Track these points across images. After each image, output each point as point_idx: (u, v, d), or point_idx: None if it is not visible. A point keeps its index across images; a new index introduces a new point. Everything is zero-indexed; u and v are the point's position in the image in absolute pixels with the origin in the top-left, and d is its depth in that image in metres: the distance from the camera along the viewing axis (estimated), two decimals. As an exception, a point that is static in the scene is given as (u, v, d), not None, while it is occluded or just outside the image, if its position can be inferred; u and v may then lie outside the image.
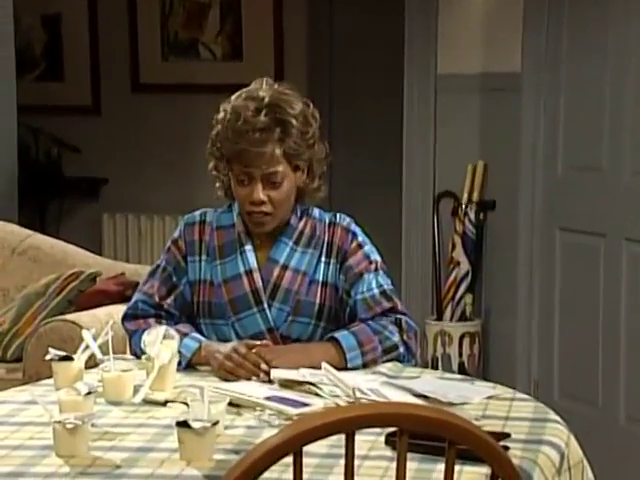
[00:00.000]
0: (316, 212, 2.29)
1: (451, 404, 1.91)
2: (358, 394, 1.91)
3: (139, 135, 5.35)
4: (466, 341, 4.05)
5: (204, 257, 2.26)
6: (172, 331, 2.08)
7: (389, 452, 1.68)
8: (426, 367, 3.72)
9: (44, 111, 5.30)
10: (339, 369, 2.04)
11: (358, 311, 2.23)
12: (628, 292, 3.51)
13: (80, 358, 2.06)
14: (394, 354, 2.19)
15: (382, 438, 1.72)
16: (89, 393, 1.82)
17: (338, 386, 1.96)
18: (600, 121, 3.57)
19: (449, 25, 4.14)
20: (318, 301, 2.24)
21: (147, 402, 1.94)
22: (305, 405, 1.89)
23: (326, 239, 2.26)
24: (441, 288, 4.15)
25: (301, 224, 2.26)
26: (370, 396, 1.91)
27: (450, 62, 4.15)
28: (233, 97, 2.21)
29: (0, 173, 4.30)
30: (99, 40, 5.42)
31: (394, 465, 1.38)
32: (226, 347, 2.11)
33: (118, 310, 3.04)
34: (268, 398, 1.92)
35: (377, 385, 1.99)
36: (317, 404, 1.90)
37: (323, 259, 2.26)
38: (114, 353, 2.01)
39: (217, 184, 2.27)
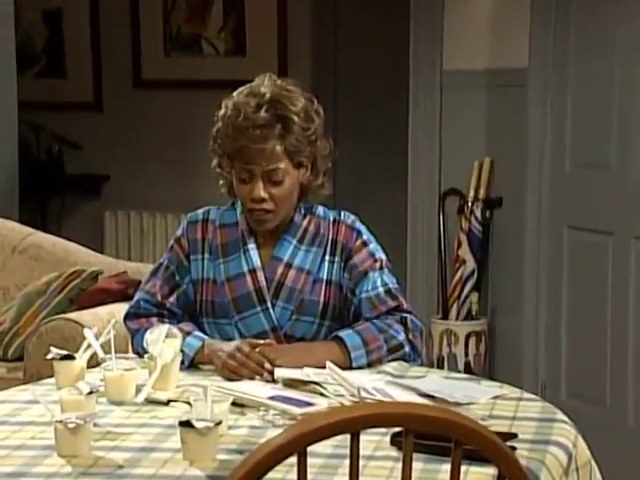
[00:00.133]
0: (320, 210, 2.29)
1: (457, 404, 1.91)
2: (363, 394, 1.91)
3: (141, 132, 5.36)
4: (472, 340, 4.05)
5: (207, 255, 2.26)
6: (175, 330, 2.09)
7: (394, 452, 1.68)
8: (432, 367, 3.71)
9: (45, 107, 5.30)
10: (344, 368, 2.04)
11: (363, 310, 2.23)
12: (636, 291, 3.50)
13: (82, 357, 2.06)
14: (399, 353, 2.19)
15: (387, 438, 1.72)
16: (91, 392, 1.82)
17: (343, 386, 1.96)
18: (608, 118, 3.57)
19: (455, 20, 4.14)
20: (322, 300, 2.24)
21: (150, 402, 1.95)
22: (309, 405, 1.89)
23: (330, 237, 2.26)
24: (447, 287, 4.15)
25: (305, 222, 2.26)
26: (375, 396, 1.91)
27: (456, 58, 4.14)
28: (235, 93, 2.21)
29: (1, 170, 4.30)
30: (101, 35, 5.42)
31: (399, 465, 1.38)
32: (229, 346, 2.11)
33: (120, 309, 3.04)
34: (272, 398, 1.92)
35: (382, 385, 1.99)
36: (321, 404, 1.90)
37: (327, 257, 2.26)
38: (116, 352, 2.01)
39: (221, 181, 2.28)
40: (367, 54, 5.23)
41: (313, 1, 5.24)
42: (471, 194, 4.11)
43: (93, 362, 2.11)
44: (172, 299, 2.26)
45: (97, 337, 2.07)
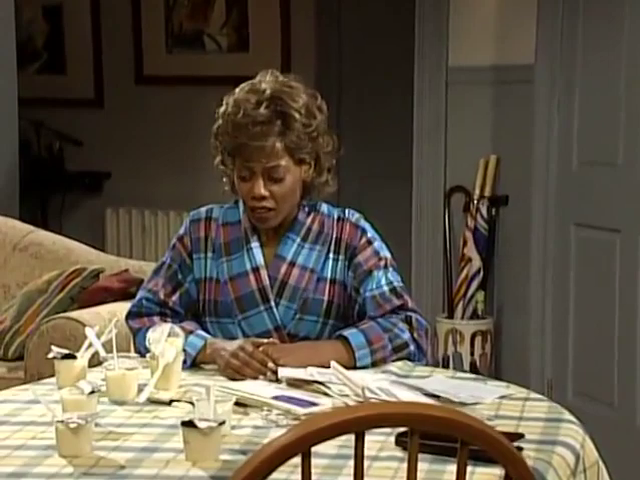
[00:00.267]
0: (324, 207, 2.29)
1: (463, 404, 1.91)
2: (367, 393, 1.91)
3: (143, 128, 5.36)
4: (478, 340, 4.05)
5: (210, 254, 2.26)
6: (177, 329, 2.08)
7: (399, 453, 1.68)
8: (437, 366, 3.71)
9: (46, 104, 5.31)
10: (348, 368, 2.04)
11: (367, 309, 2.23)
12: (644, 289, 3.50)
13: (83, 356, 2.06)
14: (404, 352, 2.19)
15: (392, 438, 1.72)
16: (92, 392, 1.83)
17: (347, 385, 1.96)
18: (616, 114, 3.56)
19: (461, 16, 4.14)
20: (326, 298, 2.24)
21: (152, 401, 1.95)
22: (313, 405, 1.89)
23: (334, 235, 2.26)
24: (452, 285, 4.15)
25: (309, 220, 2.26)
26: (380, 395, 1.91)
27: (461, 54, 4.14)
28: (237, 89, 2.21)
29: (1, 167, 4.30)
30: (102, 31, 5.43)
31: (405, 466, 1.38)
32: (232, 345, 2.11)
33: (121, 307, 3.04)
34: (275, 397, 1.92)
35: (387, 384, 1.99)
36: (326, 404, 1.90)
37: (331, 255, 2.26)
38: (118, 351, 2.01)
39: (224, 179, 2.28)
40: (371, 50, 5.23)
41: (317, -3, 5.24)
42: (477, 192, 4.11)
43: (94, 361, 2.11)
44: (175, 298, 2.26)
45: (98, 336, 2.07)
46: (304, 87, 2.22)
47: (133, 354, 2.20)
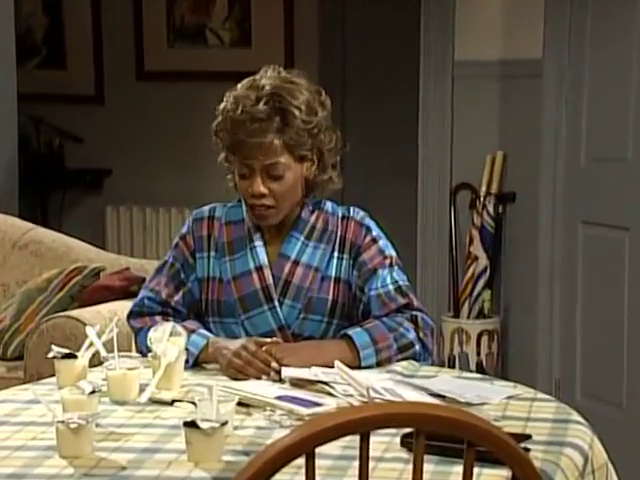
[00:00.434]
0: (329, 205, 2.29)
1: (469, 404, 1.91)
2: (372, 393, 1.91)
3: (144, 125, 5.36)
4: (484, 339, 4.05)
5: (213, 253, 2.26)
6: (179, 328, 2.09)
7: (405, 454, 1.69)
8: (443, 366, 3.72)
9: (45, 100, 5.31)
10: (352, 367, 2.04)
11: (372, 308, 2.23)
12: (654, 288, 3.50)
13: (84, 356, 2.06)
14: (410, 352, 2.19)
15: (397, 439, 1.72)
16: (93, 392, 1.83)
17: (351, 385, 1.96)
18: (625, 110, 3.56)
19: (467, 9, 4.13)
20: (331, 298, 2.24)
21: (153, 401, 1.95)
22: (317, 405, 1.89)
23: (339, 233, 2.26)
24: (458, 284, 4.15)
25: (313, 218, 2.26)
26: (385, 396, 1.91)
27: (468, 48, 4.14)
28: (239, 86, 2.21)
29: (0, 164, 4.31)
30: (102, 26, 5.43)
31: (410, 467, 1.38)
32: (234, 344, 2.12)
33: (122, 306, 3.05)
34: (279, 398, 1.93)
35: (392, 384, 1.99)
36: (330, 404, 1.90)
37: (336, 254, 2.26)
38: (119, 351, 2.01)
39: (228, 176, 2.28)
40: (376, 44, 5.23)
41: (321, -9, 5.24)
42: (483, 188, 4.11)
43: (95, 361, 2.11)
44: (177, 297, 2.26)
45: (99, 335, 2.07)
46: (307, 83, 2.22)
47: (134, 353, 2.20)
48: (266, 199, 2.19)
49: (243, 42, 5.22)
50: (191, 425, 1.67)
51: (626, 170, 3.60)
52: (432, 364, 2.24)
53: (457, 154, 4.20)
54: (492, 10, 4.10)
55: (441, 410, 1.36)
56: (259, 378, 2.06)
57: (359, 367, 2.11)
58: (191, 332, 2.16)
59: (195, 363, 2.16)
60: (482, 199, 4.10)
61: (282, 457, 1.28)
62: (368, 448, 1.33)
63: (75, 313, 3.09)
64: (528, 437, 1.75)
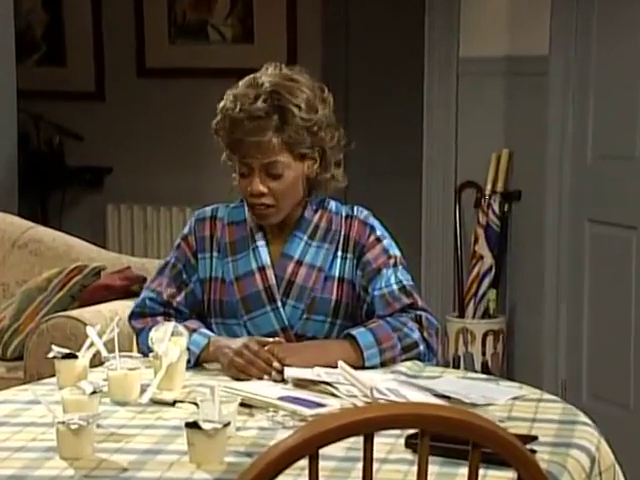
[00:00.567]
0: (333, 205, 2.29)
1: (474, 405, 1.91)
2: (376, 394, 1.91)
3: (145, 122, 5.36)
4: (489, 339, 4.05)
5: (215, 254, 2.26)
6: (181, 328, 2.09)
7: (409, 455, 1.69)
8: (447, 367, 3.72)
9: (45, 97, 5.31)
10: (356, 368, 2.04)
11: (376, 308, 2.23)
12: (661, 288, 3.50)
13: (84, 356, 2.06)
14: (414, 352, 2.19)
15: (402, 440, 1.73)
16: (94, 392, 1.83)
17: (355, 386, 1.96)
18: (632, 107, 3.56)
19: (472, 5, 4.13)
20: (334, 298, 2.24)
21: (155, 402, 1.95)
22: (320, 405, 1.90)
23: (343, 233, 2.26)
24: (463, 283, 4.15)
25: (316, 217, 2.27)
26: (389, 396, 1.91)
27: (473, 44, 4.14)
28: (240, 83, 2.22)
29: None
30: (103, 22, 5.43)
31: (415, 469, 1.38)
32: (236, 343, 2.12)
33: (123, 306, 3.05)
34: (282, 398, 1.93)
35: (396, 385, 1.99)
36: (333, 404, 1.91)
37: (339, 254, 2.26)
38: (120, 351, 2.02)
39: (233, 175, 2.28)
40: (380, 41, 5.22)
41: (324, -14, 5.24)
42: (488, 187, 4.11)
43: (96, 361, 2.11)
44: (179, 298, 2.26)
45: (100, 335, 2.07)
46: (309, 80, 2.22)
47: (135, 354, 2.21)
48: (266, 198, 2.19)
49: (245, 38, 5.22)
50: (193, 426, 1.67)
51: (633, 168, 3.59)
52: (437, 364, 2.24)
53: (462, 152, 4.20)
54: (497, 5, 4.10)
55: (446, 411, 1.36)
56: (261, 378, 2.06)
57: (363, 367, 2.11)
58: (192, 331, 2.16)
59: (196, 362, 2.16)
60: (487, 197, 4.09)
61: (285, 458, 1.28)
62: (372, 449, 1.33)
63: (75, 313, 3.09)
64: (534, 438, 1.75)
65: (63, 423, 1.70)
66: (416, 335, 2.19)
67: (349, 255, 2.26)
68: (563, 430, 1.82)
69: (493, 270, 4.08)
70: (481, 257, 4.09)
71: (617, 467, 1.84)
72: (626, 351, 3.61)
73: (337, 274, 2.25)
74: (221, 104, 2.21)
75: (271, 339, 2.14)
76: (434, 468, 1.59)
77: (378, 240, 2.26)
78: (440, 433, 1.37)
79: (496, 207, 4.08)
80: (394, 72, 5.15)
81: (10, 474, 1.65)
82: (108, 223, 5.36)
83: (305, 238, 2.25)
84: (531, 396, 2.01)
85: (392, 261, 2.25)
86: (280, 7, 5.15)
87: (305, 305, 2.23)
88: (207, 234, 2.27)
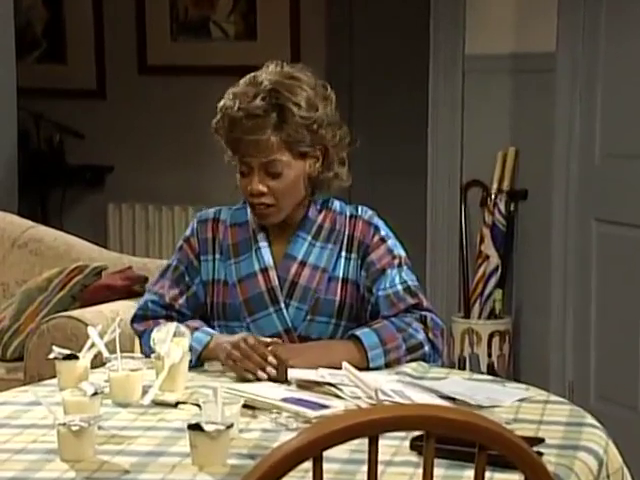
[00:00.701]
0: (337, 204, 2.29)
1: (480, 407, 1.91)
2: (381, 396, 1.91)
3: (147, 120, 5.37)
4: (495, 340, 4.05)
5: (218, 256, 2.26)
6: (183, 328, 2.09)
7: (414, 457, 1.69)
8: (453, 368, 3.72)
9: (45, 95, 5.32)
10: (360, 369, 2.04)
11: (381, 308, 2.23)
12: (670, 288, 3.50)
13: (85, 357, 2.07)
14: (419, 353, 2.19)
15: (407, 443, 1.73)
16: (95, 394, 1.83)
17: (359, 387, 1.96)
18: (640, 105, 3.56)
19: (478, 1, 4.13)
20: (338, 299, 2.24)
21: (157, 403, 1.95)
22: (324, 407, 1.90)
23: (347, 233, 2.26)
24: (469, 284, 4.15)
25: (320, 217, 2.27)
26: (394, 398, 1.91)
27: (479, 41, 4.13)
28: (240, 82, 2.22)
29: (-1, 161, 4.32)
30: (104, 18, 5.43)
31: (420, 471, 1.38)
32: (234, 337, 2.12)
33: (125, 306, 3.06)
34: (285, 400, 1.93)
35: (401, 386, 1.99)
36: (337, 406, 1.91)
37: (343, 254, 2.26)
38: (122, 351, 2.02)
39: (237, 174, 2.28)
40: (385, 38, 5.22)
41: (328, -18, 5.24)
42: (494, 186, 4.11)
43: (97, 362, 2.11)
44: (182, 301, 2.27)
45: (101, 336, 2.08)
46: (311, 77, 2.22)
47: (137, 354, 2.21)
48: (265, 197, 2.19)
49: (248, 35, 5.22)
50: (196, 428, 1.68)
51: (641, 167, 3.59)
52: (442, 365, 2.24)
53: (468, 150, 4.20)
54: (504, 2, 4.10)
55: (452, 413, 1.36)
56: (255, 373, 2.06)
57: (367, 368, 2.12)
58: (194, 329, 2.16)
59: (198, 360, 2.16)
60: (493, 197, 4.09)
61: (289, 461, 1.28)
62: (377, 452, 1.33)
63: (76, 313, 3.09)
64: (541, 441, 1.75)
65: (64, 425, 1.70)
66: (421, 336, 2.19)
67: (353, 255, 2.26)
68: (570, 432, 1.82)
69: (499, 270, 4.08)
70: (487, 257, 4.09)
71: (625, 470, 1.84)
72: (634, 352, 3.60)
73: (341, 275, 2.25)
74: (221, 103, 2.21)
75: (269, 339, 2.14)
76: (440, 471, 1.59)
77: (382, 240, 2.26)
78: (446, 435, 1.37)
79: (502, 206, 4.08)
80: (398, 72, 5.15)
81: (10, 476, 1.65)
82: (109, 222, 5.37)
83: (309, 238, 2.25)
84: (538, 398, 2.01)
85: (397, 261, 2.25)
86: (283, 4, 5.15)
87: (309, 306, 2.23)
88: (209, 236, 2.28)
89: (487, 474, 1.41)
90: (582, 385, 3.83)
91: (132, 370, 1.99)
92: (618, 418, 3.42)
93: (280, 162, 2.17)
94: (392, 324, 2.19)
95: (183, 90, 5.29)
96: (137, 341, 2.31)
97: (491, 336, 4.05)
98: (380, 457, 1.35)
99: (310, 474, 1.32)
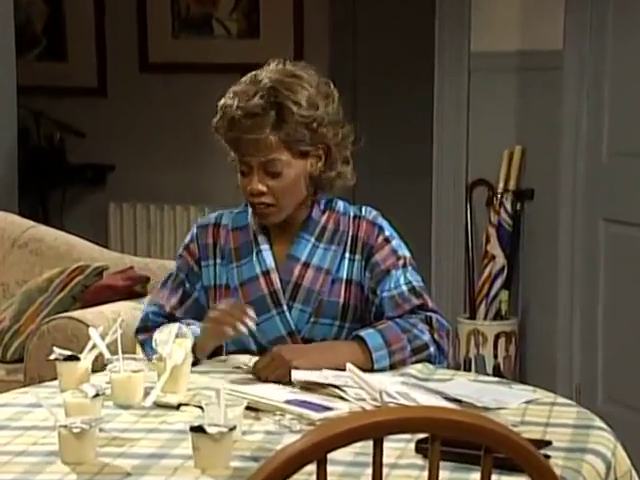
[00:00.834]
0: (340, 205, 2.29)
1: (486, 409, 1.91)
2: (385, 397, 1.92)
3: (148, 118, 5.37)
4: (501, 341, 4.05)
5: (219, 261, 2.27)
6: (185, 329, 2.09)
7: (420, 460, 1.69)
8: (458, 369, 3.72)
9: (46, 92, 5.33)
10: (365, 370, 2.04)
11: (385, 309, 2.23)
12: (678, 289, 3.49)
13: (87, 358, 2.07)
14: (424, 354, 2.19)
15: (412, 445, 1.73)
16: (97, 395, 1.83)
17: (364, 389, 1.96)
18: (649, 103, 3.55)
19: (484, -2, 4.13)
20: (342, 300, 2.24)
21: (159, 405, 1.96)
22: (328, 409, 1.90)
23: (350, 234, 2.26)
24: (474, 284, 4.15)
25: (324, 219, 2.27)
26: (399, 400, 1.91)
27: (485, 39, 4.13)
28: (241, 80, 2.22)
29: (-1, 159, 4.33)
30: (105, 15, 5.44)
31: (425, 474, 1.39)
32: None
33: (126, 306, 3.07)
34: (288, 401, 1.93)
35: (406, 388, 1.99)
36: (341, 408, 1.91)
37: (347, 255, 2.26)
38: (123, 353, 2.02)
39: (238, 174, 2.28)
40: (388, 36, 5.22)
41: (332, -21, 5.24)
42: (500, 185, 4.11)
43: (99, 364, 2.12)
44: (183, 308, 2.27)
45: (103, 337, 2.08)
46: (313, 75, 2.21)
47: (139, 355, 2.21)
48: (265, 197, 2.19)
49: (251, 33, 5.22)
50: (198, 430, 1.68)
51: (650, 166, 3.59)
52: (447, 367, 2.24)
53: (473, 149, 4.20)
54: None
55: (458, 415, 1.36)
56: (236, 329, 2.05)
57: (372, 370, 2.11)
58: (187, 325, 2.17)
59: (193, 350, 2.15)
60: (499, 196, 4.09)
61: (292, 463, 1.28)
62: (382, 454, 1.34)
63: (77, 314, 3.10)
64: (548, 443, 1.75)
65: (65, 427, 1.70)
66: (426, 337, 2.19)
67: (357, 256, 2.26)
68: (578, 435, 1.82)
69: (505, 270, 4.08)
70: (493, 257, 4.09)
71: (634, 473, 1.84)
72: (642, 354, 3.60)
73: (345, 276, 2.25)
74: (221, 101, 2.22)
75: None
76: (445, 474, 1.59)
77: (387, 241, 2.26)
78: (451, 438, 1.37)
79: (508, 206, 4.08)
80: (402, 70, 5.15)
81: (11, 479, 1.65)
82: (110, 222, 5.37)
83: (312, 240, 2.25)
84: (545, 400, 2.01)
85: (401, 262, 2.25)
86: (286, 2, 5.16)
87: (312, 308, 2.23)
88: (210, 241, 2.28)
89: (493, 477, 1.40)
90: (590, 387, 3.83)
91: (134, 371, 2.00)
92: (626, 420, 3.42)
93: (280, 161, 2.17)
94: (397, 325, 2.19)
95: (185, 88, 5.29)
96: (141, 350, 2.31)
97: (497, 337, 4.05)
98: (385, 460, 1.35)
99: (314, 477, 1.32)
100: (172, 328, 2.07)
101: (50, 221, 4.79)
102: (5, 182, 4.35)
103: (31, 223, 3.75)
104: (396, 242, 2.27)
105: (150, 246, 5.28)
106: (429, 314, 2.23)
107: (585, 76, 3.81)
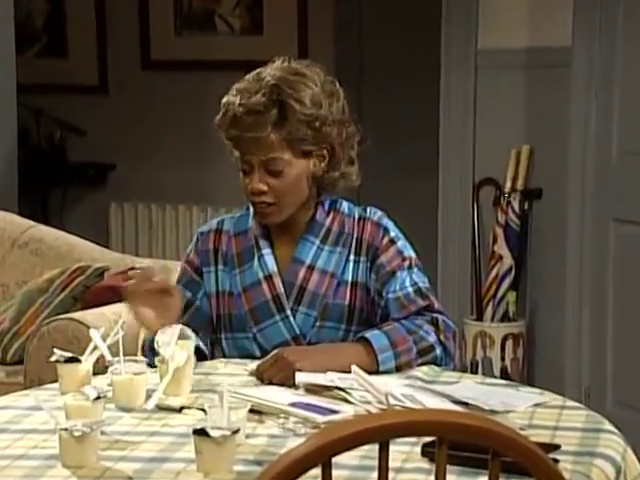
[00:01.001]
0: (345, 206, 2.29)
1: (494, 412, 1.91)
2: (391, 400, 1.92)
3: (150, 116, 5.38)
4: (509, 343, 4.05)
5: (221, 267, 2.27)
6: (188, 331, 2.09)
7: (426, 464, 1.69)
8: (465, 371, 3.71)
9: (46, 90, 5.33)
10: (370, 372, 2.04)
11: (391, 311, 2.23)
12: (689, 290, 3.49)
13: (88, 360, 2.07)
14: (430, 356, 2.19)
15: (418, 449, 1.73)
16: (98, 398, 1.83)
17: (369, 391, 1.96)
18: (659, 101, 3.55)
19: (491, -5, 4.13)
20: (347, 303, 2.24)
21: (161, 408, 1.96)
22: (333, 412, 1.90)
23: (355, 236, 2.26)
24: (481, 285, 4.15)
25: (328, 220, 2.26)
26: (404, 402, 1.91)
27: (492, 36, 4.13)
28: (246, 77, 2.22)
29: (-1, 158, 4.33)
30: (106, 12, 5.44)
31: (432, 478, 1.39)
32: None
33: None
34: (293, 404, 1.93)
35: (412, 390, 1.99)
36: (347, 411, 1.91)
37: (352, 257, 2.26)
38: (125, 354, 2.02)
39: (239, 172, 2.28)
40: (395, 33, 5.22)
41: (336, -24, 5.24)
42: (508, 184, 4.10)
43: (100, 366, 2.12)
44: (184, 319, 2.26)
45: (104, 338, 2.08)
46: (318, 73, 2.21)
47: (141, 357, 2.21)
48: (266, 196, 2.19)
49: (254, 30, 5.23)
50: (201, 433, 1.68)
51: (660, 165, 3.59)
52: (454, 369, 2.24)
53: (480, 148, 4.20)
54: (518, -5, 4.10)
55: (464, 418, 1.36)
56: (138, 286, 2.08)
57: (377, 372, 2.11)
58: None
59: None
60: (507, 196, 4.09)
61: (297, 467, 1.28)
62: (387, 458, 1.34)
63: (78, 315, 3.10)
64: (557, 447, 1.75)
65: (66, 430, 1.70)
66: (432, 338, 2.19)
67: (362, 258, 2.26)
68: (587, 438, 1.82)
69: (513, 271, 4.08)
70: (500, 258, 4.09)
71: (644, 477, 1.84)
72: (652, 356, 3.60)
73: (350, 278, 2.25)
74: (224, 99, 2.22)
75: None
76: (452, 478, 1.59)
77: (392, 242, 2.26)
78: (458, 441, 1.37)
79: (516, 205, 4.08)
80: (407, 68, 5.15)
81: (11, 482, 1.66)
82: (111, 222, 5.38)
83: (317, 242, 2.25)
84: (553, 403, 2.01)
85: (407, 263, 2.25)
86: (291, -1, 5.16)
87: (318, 312, 2.23)
88: (211, 247, 2.28)
89: (501, 481, 1.41)
90: (599, 390, 3.83)
91: (136, 374, 2.00)
92: (636, 424, 3.42)
93: (281, 160, 2.17)
94: (402, 326, 2.19)
95: (187, 86, 5.29)
96: (140, 342, 2.31)
97: (504, 339, 4.05)
98: (390, 464, 1.35)
99: (319, 481, 1.32)
100: (174, 330, 2.07)
101: (50, 221, 4.80)
102: (5, 181, 4.35)
103: (31, 223, 3.76)
104: (401, 243, 2.27)
105: (152, 246, 5.28)
106: (435, 315, 2.22)
107: (594, 73, 3.80)
